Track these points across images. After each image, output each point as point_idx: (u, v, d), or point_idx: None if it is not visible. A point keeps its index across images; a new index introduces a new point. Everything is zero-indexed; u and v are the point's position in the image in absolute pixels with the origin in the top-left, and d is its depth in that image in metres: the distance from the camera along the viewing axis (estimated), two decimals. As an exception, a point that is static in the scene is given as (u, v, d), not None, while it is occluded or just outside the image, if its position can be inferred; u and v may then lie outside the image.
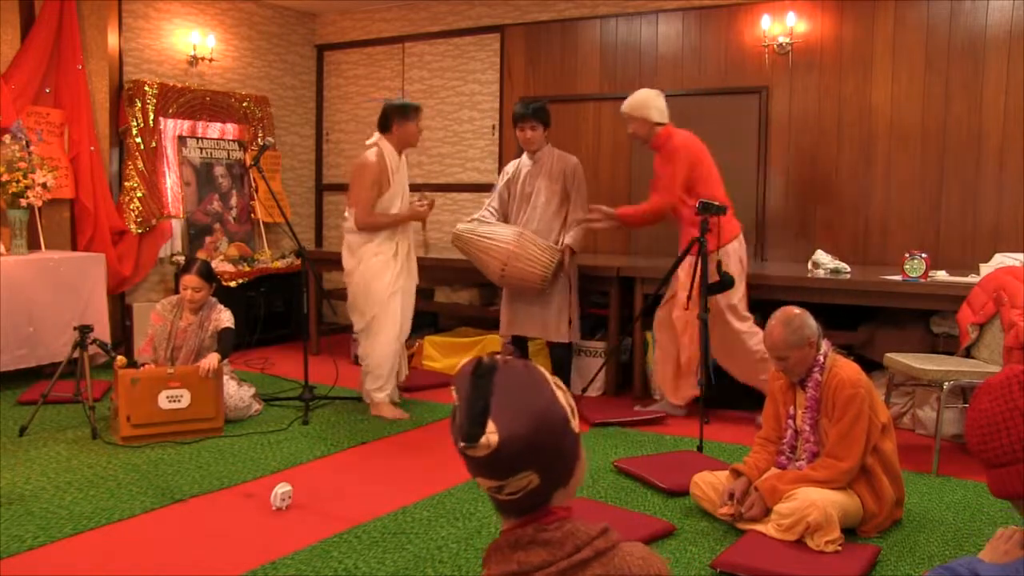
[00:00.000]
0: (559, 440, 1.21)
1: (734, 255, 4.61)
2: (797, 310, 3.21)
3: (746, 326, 4.59)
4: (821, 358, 3.17)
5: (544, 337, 5.13)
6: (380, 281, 4.65)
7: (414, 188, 7.60)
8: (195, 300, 4.53)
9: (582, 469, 1.28)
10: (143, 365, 4.40)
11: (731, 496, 3.17)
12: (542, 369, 1.26)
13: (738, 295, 4.59)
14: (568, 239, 4.97)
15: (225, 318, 4.59)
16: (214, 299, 4.68)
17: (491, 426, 1.15)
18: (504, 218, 5.18)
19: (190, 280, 4.50)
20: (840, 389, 3.09)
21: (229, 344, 4.54)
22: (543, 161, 5.05)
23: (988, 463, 1.38)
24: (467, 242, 4.96)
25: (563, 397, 1.24)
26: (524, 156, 5.16)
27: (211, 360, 4.31)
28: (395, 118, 4.63)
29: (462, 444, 1.17)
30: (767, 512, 3.09)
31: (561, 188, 5.01)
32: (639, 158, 6.41)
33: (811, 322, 3.17)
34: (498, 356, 1.25)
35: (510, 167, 5.24)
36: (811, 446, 3.18)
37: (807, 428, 3.19)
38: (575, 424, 1.25)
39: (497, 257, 4.84)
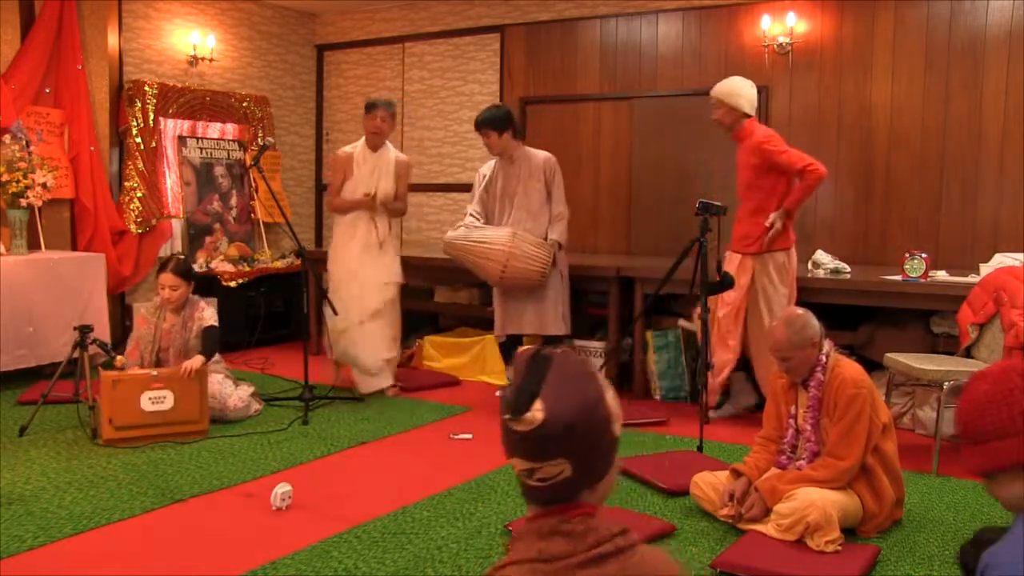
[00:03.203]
0: (599, 436, 1.25)
1: (780, 264, 4.58)
2: (800, 310, 3.22)
3: None
4: (823, 358, 3.17)
5: (541, 332, 5.14)
6: (336, 263, 5.15)
7: (416, 188, 7.63)
8: (172, 299, 4.46)
9: (613, 479, 1.31)
10: (127, 367, 4.30)
11: (731, 497, 3.17)
12: (597, 368, 1.29)
13: (782, 304, 4.54)
14: (555, 234, 5.02)
15: (208, 316, 4.52)
16: (196, 296, 4.62)
17: (538, 404, 1.21)
18: (487, 221, 5.20)
19: (166, 279, 4.44)
20: (842, 389, 3.10)
21: (214, 343, 4.47)
22: (520, 161, 5.10)
23: (984, 437, 1.41)
24: (462, 249, 4.99)
25: (612, 399, 1.28)
26: (499, 157, 5.19)
27: (194, 362, 4.26)
28: (364, 115, 5.15)
29: (507, 416, 1.22)
30: (767, 512, 3.09)
31: (542, 185, 5.08)
32: (639, 157, 6.41)
33: (814, 322, 3.17)
34: (559, 346, 1.30)
35: (486, 169, 5.26)
36: (812, 445, 3.18)
37: (808, 427, 3.19)
38: (617, 428, 1.28)
39: (497, 260, 4.86)
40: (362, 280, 5.07)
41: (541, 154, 5.13)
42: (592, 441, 1.24)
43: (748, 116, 4.56)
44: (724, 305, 4.62)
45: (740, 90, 4.56)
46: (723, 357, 4.65)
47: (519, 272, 4.87)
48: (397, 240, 5.31)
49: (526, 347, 1.32)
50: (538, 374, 1.24)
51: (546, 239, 5.00)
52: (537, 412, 1.20)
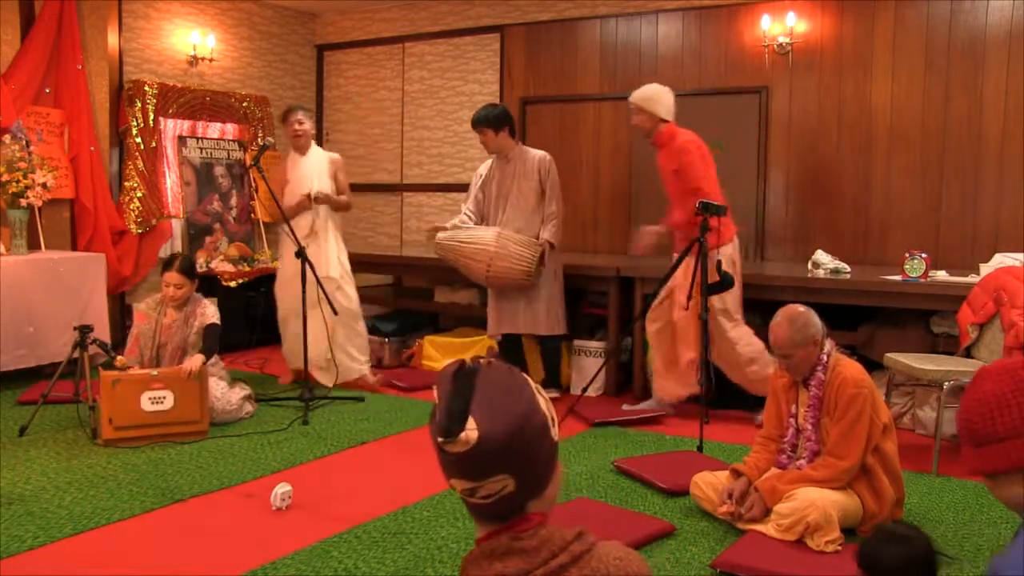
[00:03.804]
0: (537, 445, 1.20)
1: (728, 257, 4.61)
2: (802, 308, 3.21)
3: (736, 332, 4.62)
4: (825, 357, 3.17)
5: (535, 332, 5.16)
6: (282, 261, 5.39)
7: (416, 188, 7.62)
8: (176, 297, 4.47)
9: (558, 481, 1.28)
10: (129, 368, 4.29)
11: (730, 495, 3.18)
12: (525, 375, 1.26)
13: (731, 298, 4.60)
14: (546, 234, 5.02)
15: (210, 313, 4.53)
16: (198, 294, 4.63)
17: (471, 423, 1.15)
18: (482, 220, 5.23)
19: (172, 277, 4.45)
20: (843, 388, 3.09)
21: (215, 341, 4.47)
22: (515, 160, 5.12)
23: (987, 439, 1.38)
24: (450, 250, 5.04)
25: (544, 404, 1.24)
26: (495, 156, 5.21)
27: (194, 362, 4.26)
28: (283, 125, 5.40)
29: (440, 439, 1.17)
30: (767, 512, 3.09)
31: (537, 184, 5.08)
32: (639, 157, 6.41)
33: (816, 320, 3.17)
34: (481, 358, 1.25)
35: (483, 169, 5.29)
36: (812, 444, 3.18)
37: (809, 427, 3.19)
38: (554, 432, 1.24)
39: (481, 260, 4.92)
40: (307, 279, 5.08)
41: (536, 153, 5.14)
42: (531, 451, 1.19)
43: (665, 121, 4.64)
44: (679, 308, 4.64)
45: (658, 96, 4.64)
46: (687, 356, 4.68)
47: (503, 271, 4.90)
48: (335, 236, 5.37)
49: (448, 363, 1.26)
50: (466, 391, 1.18)
51: (538, 238, 5.00)
52: (471, 431, 1.15)
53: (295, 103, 5.54)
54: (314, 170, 5.27)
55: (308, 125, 5.28)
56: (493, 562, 1.19)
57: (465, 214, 5.22)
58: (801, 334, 3.12)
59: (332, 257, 5.30)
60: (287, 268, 5.30)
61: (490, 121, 5.05)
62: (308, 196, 5.20)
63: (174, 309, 4.52)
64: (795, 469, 3.19)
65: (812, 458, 3.17)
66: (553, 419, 1.24)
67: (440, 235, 5.11)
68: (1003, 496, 1.41)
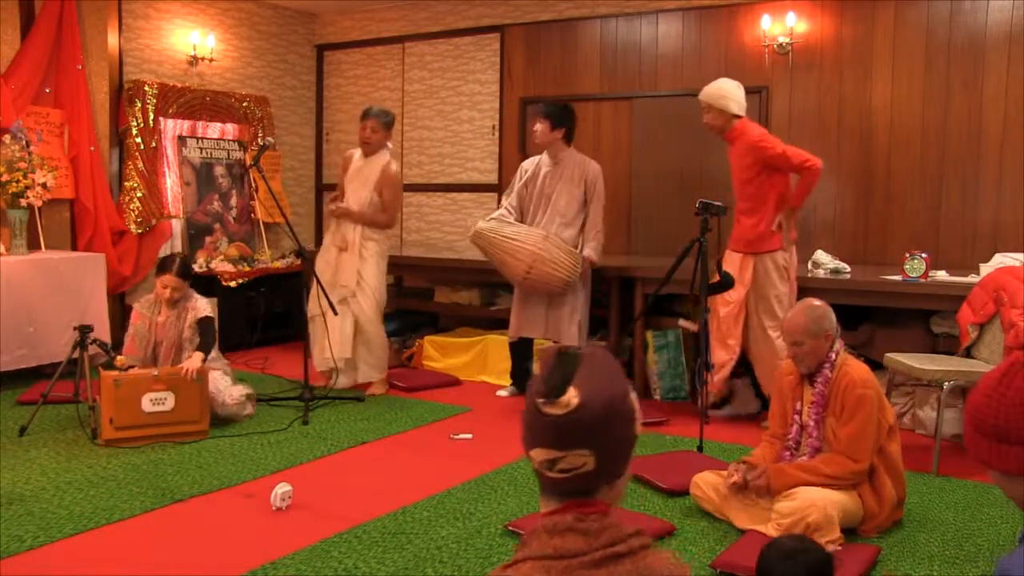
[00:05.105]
0: (624, 430, 1.26)
1: (786, 262, 4.59)
2: (819, 302, 3.28)
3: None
4: (833, 355, 3.20)
5: (555, 339, 5.10)
6: (320, 257, 5.30)
7: (416, 188, 7.63)
8: (172, 299, 4.48)
9: (627, 479, 1.32)
10: (129, 368, 4.28)
11: (735, 471, 3.19)
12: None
13: (784, 304, 4.55)
14: (588, 250, 4.95)
15: (201, 306, 4.51)
16: (191, 290, 4.62)
17: (572, 390, 1.21)
18: (520, 217, 5.13)
19: (169, 280, 4.43)
20: (849, 389, 3.11)
21: (210, 336, 4.46)
22: (565, 164, 5.01)
23: (1017, 439, 1.29)
24: (490, 242, 4.91)
25: (634, 398, 1.30)
26: (544, 155, 5.10)
27: (194, 361, 4.25)
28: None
29: (541, 400, 1.22)
30: (770, 492, 3.11)
31: (581, 193, 4.99)
32: (639, 157, 6.41)
33: (832, 317, 3.23)
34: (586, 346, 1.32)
35: (528, 164, 5.18)
36: (814, 441, 3.20)
37: (812, 423, 3.20)
38: (638, 427, 1.30)
39: (523, 260, 4.82)
40: (327, 278, 5.09)
41: (588, 162, 5.05)
42: (618, 434, 1.24)
43: (738, 117, 4.56)
44: (725, 304, 4.61)
45: (728, 92, 4.55)
46: (722, 357, 4.65)
47: (543, 276, 4.82)
48: (364, 249, 5.17)
49: (552, 344, 1.33)
50: (569, 365, 1.25)
51: (576, 248, 4.95)
52: (572, 397, 1.20)
53: (375, 107, 5.24)
54: (365, 177, 5.17)
55: (381, 135, 5.14)
56: (553, 537, 1.22)
57: (506, 208, 5.12)
58: (817, 324, 3.17)
59: (352, 268, 5.15)
60: (322, 256, 5.27)
61: (549, 115, 4.95)
62: (331, 201, 5.25)
63: (167, 307, 4.53)
64: (804, 460, 3.21)
65: (813, 454, 3.19)
66: (639, 415, 1.30)
67: (481, 224, 4.97)
68: (1015, 495, 1.35)
